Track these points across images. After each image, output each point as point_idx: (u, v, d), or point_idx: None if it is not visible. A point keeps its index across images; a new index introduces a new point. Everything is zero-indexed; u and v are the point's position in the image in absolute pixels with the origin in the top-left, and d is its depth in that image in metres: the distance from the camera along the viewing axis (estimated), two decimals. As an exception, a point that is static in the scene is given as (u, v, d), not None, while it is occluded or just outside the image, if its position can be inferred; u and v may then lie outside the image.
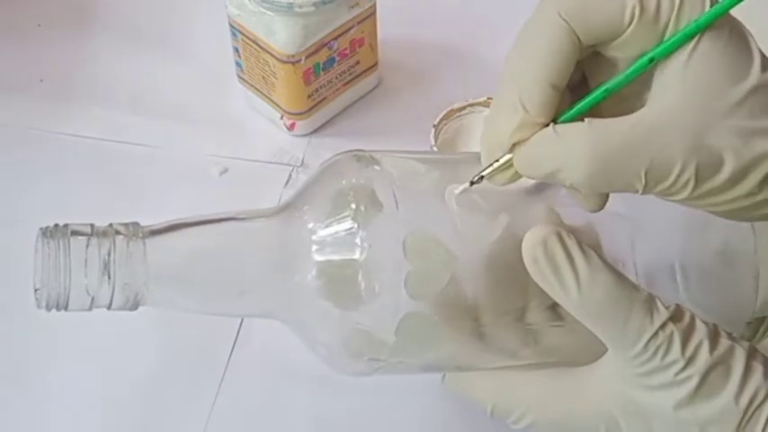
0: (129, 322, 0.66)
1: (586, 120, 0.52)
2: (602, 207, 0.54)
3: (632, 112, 0.52)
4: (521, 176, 0.53)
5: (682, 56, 0.51)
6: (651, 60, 0.52)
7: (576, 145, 0.51)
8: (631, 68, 0.52)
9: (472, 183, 0.54)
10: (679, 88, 0.51)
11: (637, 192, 0.51)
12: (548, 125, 0.52)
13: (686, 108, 0.51)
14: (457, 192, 0.55)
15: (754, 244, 0.59)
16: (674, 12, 0.51)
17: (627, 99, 0.53)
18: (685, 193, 0.51)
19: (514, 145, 0.53)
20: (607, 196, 0.54)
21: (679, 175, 0.51)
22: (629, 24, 0.51)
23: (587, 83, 0.55)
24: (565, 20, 0.51)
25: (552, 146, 0.52)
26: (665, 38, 0.52)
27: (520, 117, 0.52)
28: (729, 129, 0.51)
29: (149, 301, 0.55)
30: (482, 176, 0.54)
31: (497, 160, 0.53)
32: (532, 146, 0.52)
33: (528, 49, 0.52)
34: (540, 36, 0.52)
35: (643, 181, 0.51)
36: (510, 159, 0.53)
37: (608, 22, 0.52)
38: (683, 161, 0.51)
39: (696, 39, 0.51)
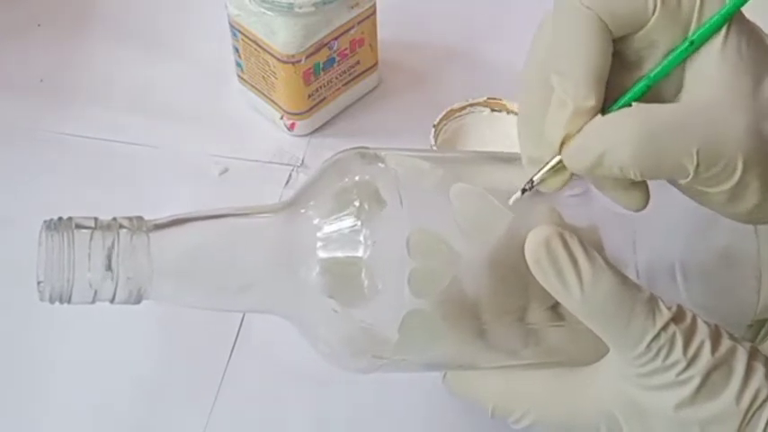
0: (129, 322, 0.66)
1: (634, 103, 0.51)
2: (644, 205, 0.53)
3: None
4: (570, 180, 0.53)
5: (714, 45, 0.51)
6: (692, 43, 0.51)
7: (624, 125, 0.51)
8: (674, 54, 0.52)
9: (524, 190, 0.54)
10: (718, 76, 0.51)
11: (687, 176, 0.51)
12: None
13: (729, 93, 0.51)
14: (511, 201, 0.54)
15: (756, 245, 0.59)
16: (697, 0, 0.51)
17: (654, 97, 0.53)
18: (734, 180, 0.51)
19: (562, 146, 0.52)
20: (648, 194, 0.53)
21: (730, 159, 0.50)
22: (653, 13, 0.51)
23: None
24: (589, 8, 0.51)
25: (600, 130, 0.51)
26: (692, 26, 0.51)
27: (570, 109, 0.51)
28: None
29: (152, 296, 0.54)
30: (532, 182, 0.54)
31: (547, 163, 0.53)
32: (582, 136, 0.52)
33: (562, 46, 0.52)
34: (571, 30, 0.51)
35: (695, 161, 0.50)
36: (560, 161, 0.53)
37: (632, 11, 0.51)
38: (735, 141, 0.50)
39: (725, 29, 0.51)
